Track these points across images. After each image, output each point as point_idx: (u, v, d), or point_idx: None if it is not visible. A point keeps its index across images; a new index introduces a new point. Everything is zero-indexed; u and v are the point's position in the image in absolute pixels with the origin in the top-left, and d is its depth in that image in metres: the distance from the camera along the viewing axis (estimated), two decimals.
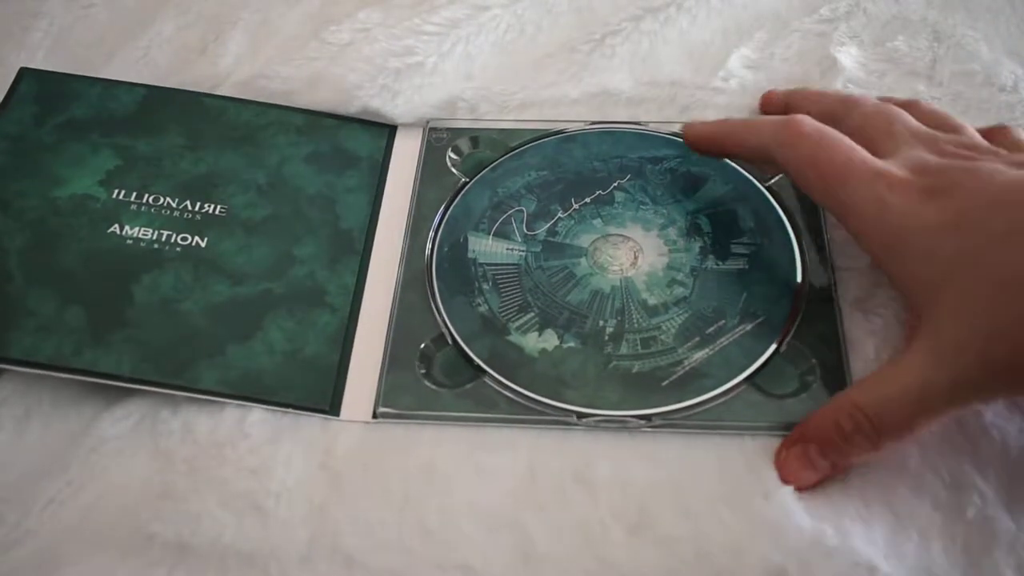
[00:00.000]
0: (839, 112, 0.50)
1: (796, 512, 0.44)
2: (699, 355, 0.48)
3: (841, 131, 0.47)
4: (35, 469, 0.48)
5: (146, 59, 0.65)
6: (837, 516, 0.44)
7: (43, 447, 0.49)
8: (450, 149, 0.58)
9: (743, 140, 0.51)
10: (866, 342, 0.49)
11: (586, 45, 0.63)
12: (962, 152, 0.46)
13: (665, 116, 0.59)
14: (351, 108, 0.60)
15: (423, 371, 0.49)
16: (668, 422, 0.46)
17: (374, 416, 0.48)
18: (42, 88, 0.60)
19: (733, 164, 0.55)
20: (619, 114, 0.60)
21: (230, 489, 0.47)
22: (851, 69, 0.60)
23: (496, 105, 0.60)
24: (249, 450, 0.48)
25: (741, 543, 0.43)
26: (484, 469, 0.46)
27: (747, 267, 0.51)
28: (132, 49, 0.65)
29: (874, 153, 0.46)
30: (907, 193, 0.44)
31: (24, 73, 0.61)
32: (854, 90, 0.58)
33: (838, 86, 0.59)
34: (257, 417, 0.49)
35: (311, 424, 0.48)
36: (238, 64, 0.64)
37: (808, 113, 0.49)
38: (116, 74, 0.63)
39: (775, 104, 0.57)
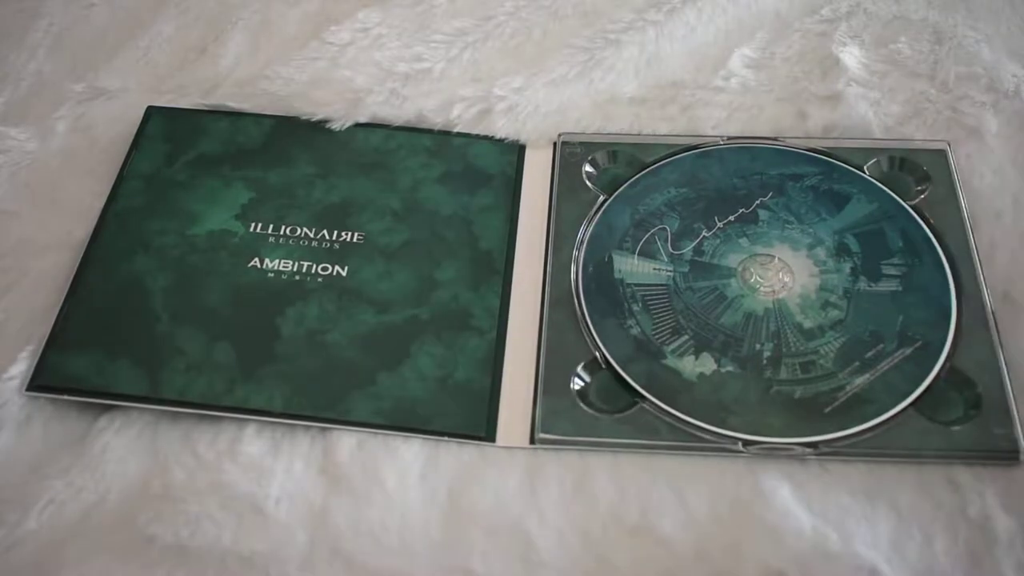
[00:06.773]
0: None
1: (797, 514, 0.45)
2: (860, 380, 0.48)
3: None
4: (35, 470, 0.49)
5: (146, 59, 0.66)
6: (840, 517, 0.45)
7: (44, 448, 0.50)
8: (587, 163, 0.57)
9: None
10: None
11: (590, 46, 0.63)
12: None
13: (666, 115, 0.60)
14: (360, 116, 0.61)
15: (579, 396, 0.49)
16: (835, 450, 0.46)
17: (532, 442, 0.48)
18: (170, 126, 0.60)
19: (875, 182, 0.55)
20: (622, 114, 0.60)
21: (230, 491, 0.47)
22: (853, 69, 0.61)
23: (507, 106, 0.61)
24: (249, 452, 0.49)
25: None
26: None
27: (900, 288, 0.51)
28: (132, 49, 0.66)
29: None
30: None
31: (152, 112, 0.61)
32: (856, 89, 0.59)
33: (840, 87, 0.60)
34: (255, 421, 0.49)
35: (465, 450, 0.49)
36: (238, 64, 0.65)
37: None
38: (116, 73, 0.64)
39: None
